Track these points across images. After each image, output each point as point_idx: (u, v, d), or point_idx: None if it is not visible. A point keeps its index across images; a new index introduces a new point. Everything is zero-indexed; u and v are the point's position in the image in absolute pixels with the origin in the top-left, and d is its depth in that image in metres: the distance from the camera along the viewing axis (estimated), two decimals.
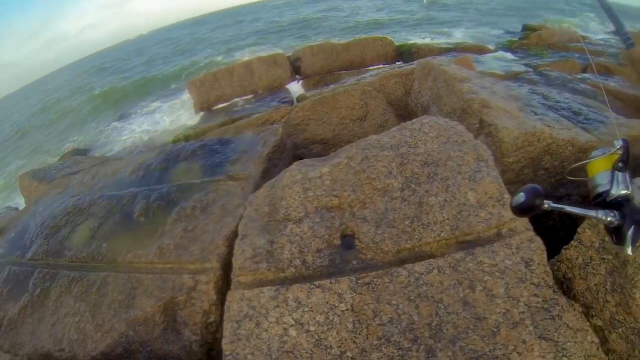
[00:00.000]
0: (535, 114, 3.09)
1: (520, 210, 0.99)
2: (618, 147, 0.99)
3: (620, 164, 0.97)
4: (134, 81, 20.49)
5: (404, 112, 4.82)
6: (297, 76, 9.01)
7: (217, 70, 9.36)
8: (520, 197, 1.00)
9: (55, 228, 3.26)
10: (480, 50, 10.17)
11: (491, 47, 10.92)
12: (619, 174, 0.97)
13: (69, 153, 10.45)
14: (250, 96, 8.33)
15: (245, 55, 16.58)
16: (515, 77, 6.03)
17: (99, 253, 2.82)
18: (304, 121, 4.26)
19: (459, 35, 15.95)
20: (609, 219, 0.97)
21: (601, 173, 1.00)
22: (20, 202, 6.93)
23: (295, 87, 8.45)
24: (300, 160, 2.62)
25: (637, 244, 0.92)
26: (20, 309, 2.71)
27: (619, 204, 0.97)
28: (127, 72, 26.64)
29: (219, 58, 18.56)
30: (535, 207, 0.97)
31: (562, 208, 1.02)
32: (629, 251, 0.93)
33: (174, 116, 11.07)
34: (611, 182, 0.97)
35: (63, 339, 2.39)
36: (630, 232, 0.92)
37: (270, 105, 6.91)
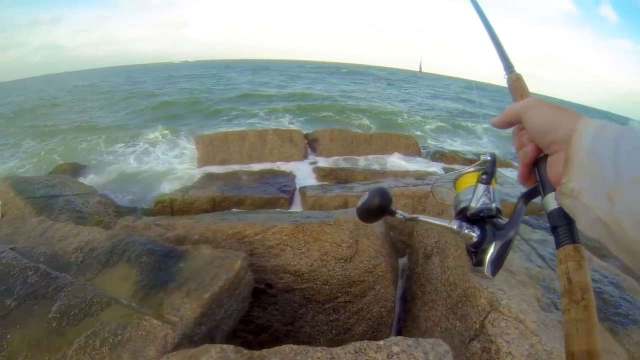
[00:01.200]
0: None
1: (370, 211, 1.02)
2: (484, 161, 0.98)
3: (483, 177, 0.96)
4: (157, 104, 21.06)
5: (404, 246, 4.32)
6: (311, 156, 8.94)
7: (229, 131, 9.41)
8: (372, 198, 1.02)
9: None
10: (506, 165, 9.93)
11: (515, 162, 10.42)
12: (481, 187, 0.96)
13: (61, 167, 10.45)
14: (256, 168, 8.18)
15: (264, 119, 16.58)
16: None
17: None
18: (280, 245, 3.80)
19: (485, 140, 15.36)
20: (465, 231, 0.95)
21: (466, 188, 0.99)
22: None
23: (306, 171, 8.21)
24: (226, 348, 2.14)
25: (497, 264, 0.86)
26: None
27: (481, 220, 0.94)
28: (162, 90, 27.76)
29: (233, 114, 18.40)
30: (385, 209, 1.01)
31: (416, 217, 1.04)
32: (487, 273, 0.87)
33: (173, 158, 10.94)
34: (473, 196, 0.96)
35: None
36: (489, 251, 0.87)
37: (267, 191, 6.73)
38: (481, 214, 0.94)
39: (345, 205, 5.36)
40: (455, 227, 0.96)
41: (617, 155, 0.55)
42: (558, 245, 0.65)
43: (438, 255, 3.35)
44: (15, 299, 2.96)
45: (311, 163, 8.65)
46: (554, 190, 0.66)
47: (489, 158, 0.97)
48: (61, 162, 11.04)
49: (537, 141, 0.71)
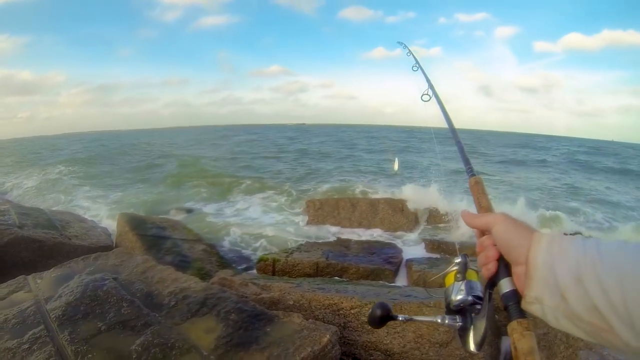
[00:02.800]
0: None
1: (374, 321, 1.27)
2: (457, 263, 1.21)
3: (458, 276, 1.19)
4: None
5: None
6: (423, 226, 8.99)
7: (340, 198, 9.83)
8: (375, 310, 1.28)
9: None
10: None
11: None
12: (457, 284, 1.18)
13: (177, 211, 11.64)
14: (363, 236, 8.37)
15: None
16: None
17: None
18: None
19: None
20: (447, 322, 1.17)
21: (448, 286, 1.21)
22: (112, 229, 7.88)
23: (414, 241, 8.27)
24: None
25: (479, 342, 1.06)
26: None
27: (462, 310, 1.16)
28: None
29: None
30: (388, 316, 1.27)
31: (412, 318, 1.29)
32: (473, 349, 1.08)
33: (283, 217, 11.17)
34: (452, 292, 1.19)
35: None
36: (471, 332, 1.10)
37: (373, 261, 6.82)
38: (461, 305, 1.16)
39: None
40: (439, 320, 1.21)
41: (561, 265, 0.79)
42: (509, 320, 0.88)
43: (545, 349, 3.16)
44: (106, 323, 3.34)
45: (420, 234, 8.68)
46: (506, 277, 0.93)
47: (461, 259, 1.23)
48: (175, 206, 12.39)
49: (503, 253, 0.94)
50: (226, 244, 8.85)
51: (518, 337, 0.83)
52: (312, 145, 37.45)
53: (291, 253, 7.10)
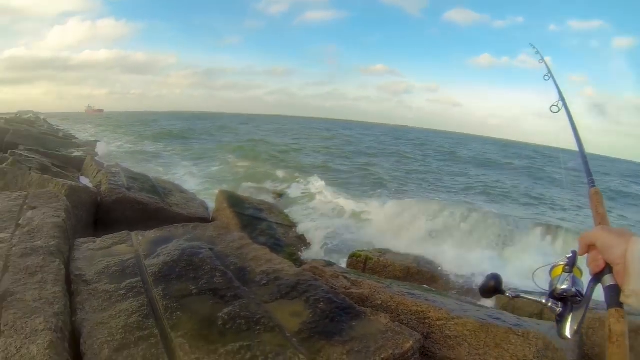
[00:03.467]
0: None
1: (487, 290, 1.47)
2: (567, 257, 1.35)
3: (566, 268, 1.34)
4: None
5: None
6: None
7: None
8: (489, 280, 1.47)
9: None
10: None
11: None
12: (565, 275, 1.33)
13: (275, 195, 12.15)
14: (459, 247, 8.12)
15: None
16: None
17: None
18: (458, 339, 3.63)
19: None
20: (550, 304, 1.33)
21: (556, 276, 1.36)
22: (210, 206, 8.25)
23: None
24: None
25: (575, 329, 1.22)
26: None
27: (564, 298, 1.31)
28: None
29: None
30: (498, 289, 1.45)
31: (519, 295, 1.45)
32: (567, 333, 1.23)
33: (375, 223, 10.92)
34: (558, 281, 1.34)
35: None
36: (568, 319, 1.24)
37: (463, 276, 6.66)
38: (564, 294, 1.31)
39: (540, 315, 4.95)
40: (543, 301, 1.36)
41: None
42: (608, 307, 1.06)
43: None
44: (197, 287, 3.45)
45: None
46: (609, 274, 1.10)
47: (571, 255, 1.36)
48: (276, 191, 13.01)
49: (605, 257, 1.11)
50: (319, 234, 8.93)
51: (614, 322, 1.03)
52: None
53: (384, 253, 7.08)
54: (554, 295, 1.36)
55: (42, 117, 56.69)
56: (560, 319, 1.31)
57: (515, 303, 5.40)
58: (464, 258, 7.67)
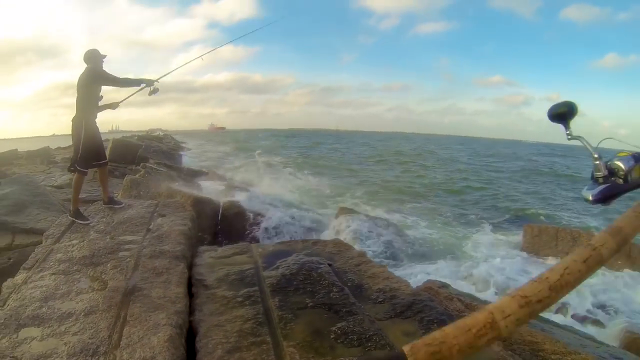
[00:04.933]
0: None
1: (554, 115, 1.60)
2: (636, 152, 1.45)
3: (630, 157, 1.44)
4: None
5: None
6: None
7: (561, 228, 9.40)
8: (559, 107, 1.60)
9: None
10: None
11: None
12: (627, 158, 1.44)
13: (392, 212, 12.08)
14: None
15: None
16: None
17: None
18: None
19: None
20: (600, 163, 1.46)
21: (619, 156, 1.47)
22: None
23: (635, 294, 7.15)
24: None
25: (599, 197, 1.39)
26: None
27: (612, 171, 1.45)
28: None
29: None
30: (567, 118, 1.59)
31: (579, 137, 1.59)
32: (590, 197, 1.42)
33: (497, 240, 10.96)
34: (621, 158, 1.44)
35: None
36: (602, 186, 1.41)
37: (587, 307, 6.49)
38: (613, 169, 1.41)
39: None
40: (596, 156, 1.47)
41: None
42: None
43: None
44: (313, 301, 3.53)
45: None
46: None
47: None
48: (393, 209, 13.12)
49: None
50: (437, 254, 9.05)
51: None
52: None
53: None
54: (608, 163, 1.49)
55: (168, 134, 62.67)
56: (596, 183, 1.45)
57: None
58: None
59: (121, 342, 2.57)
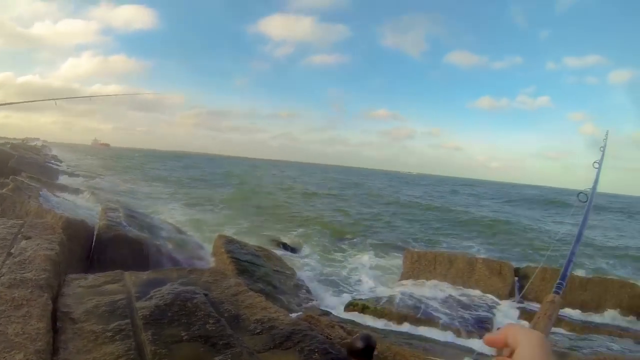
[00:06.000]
0: None
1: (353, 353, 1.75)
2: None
3: None
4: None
5: None
6: (517, 297, 8.71)
7: (439, 253, 10.01)
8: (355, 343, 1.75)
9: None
10: None
11: None
12: None
13: (274, 243, 12.47)
14: (455, 296, 8.41)
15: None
16: None
17: None
18: None
19: None
20: None
21: None
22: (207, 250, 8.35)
23: (509, 312, 7.87)
24: None
25: None
26: None
27: None
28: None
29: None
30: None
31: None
32: None
33: (376, 264, 11.61)
34: None
35: None
36: None
37: (463, 322, 6.98)
38: None
39: None
40: None
41: None
42: None
43: None
44: (189, 334, 3.40)
45: (518, 302, 8.34)
46: None
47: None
48: (275, 238, 13.29)
49: None
50: (319, 282, 9.30)
51: None
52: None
53: (381, 301, 7.43)
54: None
55: (48, 146, 58.03)
56: None
57: None
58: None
59: None
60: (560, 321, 6.98)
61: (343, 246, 13.90)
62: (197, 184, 33.12)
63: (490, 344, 0.86)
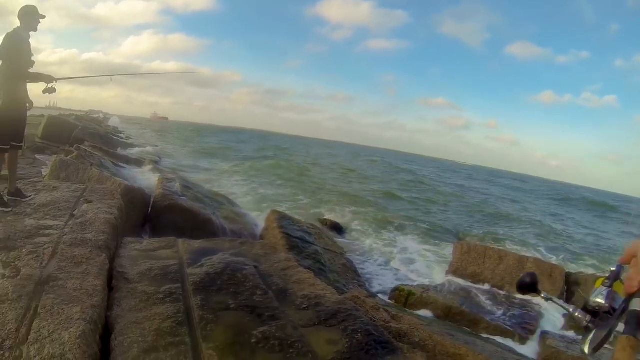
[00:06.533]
0: None
1: (522, 286, 1.47)
2: (612, 269, 1.30)
3: (605, 281, 1.28)
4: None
5: None
6: (567, 302, 7.93)
7: (490, 247, 9.84)
8: (525, 277, 1.48)
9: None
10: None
11: None
12: (601, 289, 1.28)
13: (325, 221, 12.45)
14: (502, 292, 8.23)
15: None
16: None
17: None
18: None
19: None
20: (577, 314, 1.30)
21: (596, 288, 1.30)
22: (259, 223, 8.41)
23: (555, 314, 7.56)
24: None
25: (594, 347, 1.16)
26: None
27: (595, 312, 1.26)
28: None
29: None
30: (533, 287, 1.48)
31: (551, 299, 1.47)
32: (586, 350, 1.17)
33: (429, 253, 11.39)
34: (594, 293, 1.29)
35: None
36: (591, 335, 1.20)
37: (507, 322, 6.77)
38: (596, 308, 1.26)
39: None
40: (571, 310, 1.32)
41: None
42: (623, 333, 1.02)
43: None
44: (236, 303, 3.44)
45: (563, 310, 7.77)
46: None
47: (615, 269, 1.29)
48: (326, 217, 13.21)
49: None
50: (367, 265, 9.26)
51: (620, 349, 0.98)
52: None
53: (427, 290, 7.23)
54: (586, 307, 1.34)
55: (109, 118, 60.28)
56: (585, 333, 1.29)
57: (559, 356, 5.49)
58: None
59: (29, 337, 2.36)
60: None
61: (393, 229, 13.63)
62: (250, 158, 33.45)
63: (624, 262, 1.15)
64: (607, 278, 1.32)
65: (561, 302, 1.45)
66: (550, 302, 1.49)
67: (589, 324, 1.27)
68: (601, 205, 39.03)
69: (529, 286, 1.49)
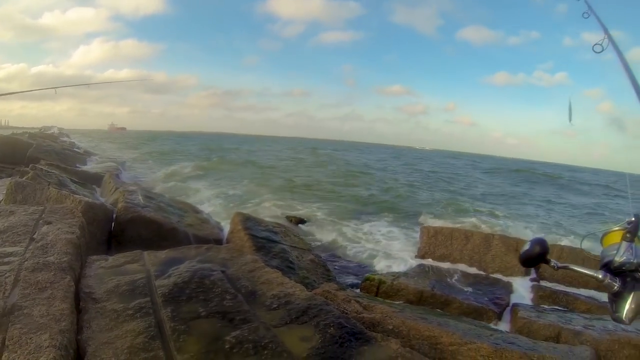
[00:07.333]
0: None
1: (529, 257, 1.32)
2: (628, 221, 1.18)
3: (627, 235, 1.16)
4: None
5: None
6: (534, 276, 8.40)
7: (456, 228, 9.94)
8: (534, 246, 1.30)
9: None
10: None
11: None
12: (625, 244, 1.16)
13: (290, 218, 12.48)
14: (471, 271, 8.32)
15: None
16: None
17: None
18: None
19: None
20: (607, 280, 1.18)
21: (611, 245, 1.20)
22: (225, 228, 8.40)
23: (524, 287, 7.77)
24: None
25: (635, 311, 1.07)
26: None
27: (623, 273, 1.15)
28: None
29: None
30: (543, 257, 1.28)
31: (567, 266, 1.33)
32: (624, 316, 1.09)
33: (393, 241, 11.45)
34: (617, 251, 1.16)
35: None
36: (628, 300, 1.09)
37: (478, 300, 6.77)
38: (623, 268, 1.15)
39: (557, 338, 5.00)
40: (600, 276, 1.21)
41: None
42: None
43: None
44: (207, 310, 3.46)
45: (532, 280, 8.15)
46: None
47: (634, 219, 1.18)
48: (291, 214, 13.22)
49: None
50: (336, 257, 9.40)
51: None
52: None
53: (398, 277, 7.27)
54: (611, 268, 1.20)
55: (65, 133, 58.46)
56: (616, 299, 1.16)
57: (531, 326, 5.53)
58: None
59: None
60: (575, 300, 6.90)
61: (359, 220, 13.74)
62: (211, 159, 33.17)
63: None
64: (628, 232, 1.21)
65: (581, 268, 1.32)
66: (566, 270, 1.37)
67: (620, 289, 1.18)
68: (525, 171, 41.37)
69: (539, 256, 1.34)
